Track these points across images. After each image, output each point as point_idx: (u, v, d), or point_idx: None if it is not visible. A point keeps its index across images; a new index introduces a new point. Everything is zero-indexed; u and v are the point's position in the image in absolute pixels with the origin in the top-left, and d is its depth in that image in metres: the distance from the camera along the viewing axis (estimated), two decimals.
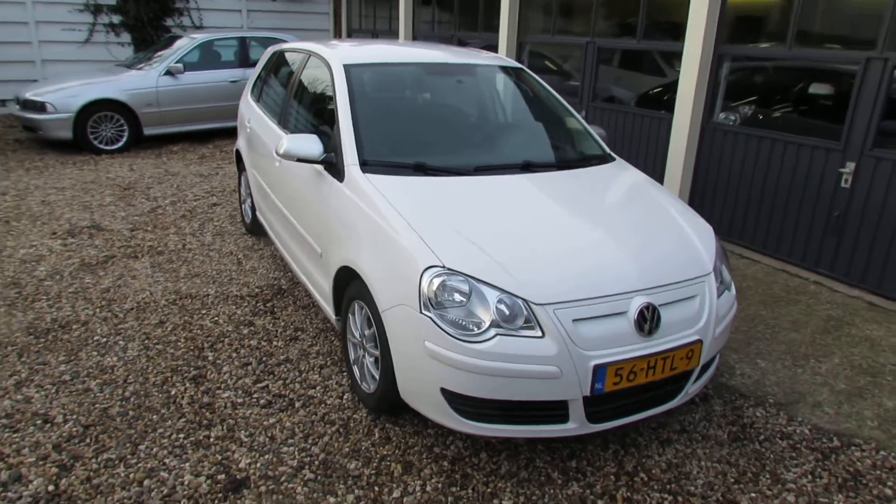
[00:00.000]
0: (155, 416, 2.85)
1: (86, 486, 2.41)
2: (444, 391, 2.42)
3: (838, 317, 4.05)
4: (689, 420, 2.99)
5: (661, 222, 2.96)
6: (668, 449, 2.78)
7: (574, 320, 2.37)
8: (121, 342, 3.48)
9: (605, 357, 2.38)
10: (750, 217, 5.11)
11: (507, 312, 2.35)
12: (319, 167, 3.25)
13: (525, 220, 2.76)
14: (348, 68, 3.47)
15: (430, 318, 2.37)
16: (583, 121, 3.81)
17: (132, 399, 2.97)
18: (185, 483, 2.45)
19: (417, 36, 9.87)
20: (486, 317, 2.35)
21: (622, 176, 3.41)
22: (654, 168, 5.81)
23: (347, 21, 12.05)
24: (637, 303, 2.47)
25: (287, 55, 4.54)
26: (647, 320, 2.46)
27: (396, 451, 2.68)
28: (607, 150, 3.69)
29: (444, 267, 2.41)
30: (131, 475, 2.48)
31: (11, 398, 2.95)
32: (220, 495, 2.40)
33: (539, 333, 2.34)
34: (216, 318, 3.79)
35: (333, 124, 3.27)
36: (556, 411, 2.43)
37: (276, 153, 3.17)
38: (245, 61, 9.13)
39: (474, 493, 2.47)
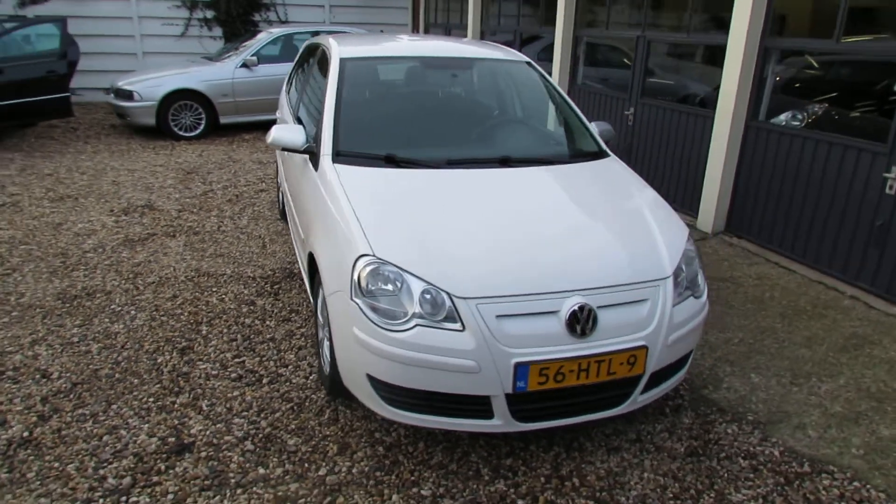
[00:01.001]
0: (136, 380, 3.11)
1: (54, 436, 2.69)
2: (369, 377, 2.48)
3: (864, 335, 3.70)
4: (649, 430, 2.87)
5: (626, 222, 2.86)
6: (614, 457, 2.69)
7: (498, 316, 2.35)
8: (132, 312, 3.81)
9: (529, 356, 2.34)
10: (790, 223, 4.74)
11: (431, 304, 2.37)
12: (306, 156, 3.39)
13: (479, 215, 2.75)
14: (344, 62, 3.58)
15: (358, 304, 2.44)
16: (582, 117, 3.71)
17: (122, 363, 3.25)
18: (138, 442, 2.67)
19: (486, 31, 9.86)
20: (410, 307, 2.38)
21: (606, 173, 3.30)
22: (700, 169, 5.52)
23: (425, 15, 12.22)
24: (571, 303, 2.40)
25: (312, 48, 4.73)
26: (580, 321, 2.39)
27: (339, 433, 2.77)
28: (603, 146, 3.57)
29: (375, 256, 2.47)
30: (95, 430, 2.73)
31: (23, 354, 3.31)
32: (163, 455, 2.59)
33: (459, 327, 2.34)
34: (223, 296, 4.04)
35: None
36: (479, 406, 2.43)
37: (266, 141, 3.34)
38: None
39: (397, 479, 2.52)
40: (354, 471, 2.55)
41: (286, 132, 3.29)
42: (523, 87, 3.87)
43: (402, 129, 3.42)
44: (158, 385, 3.07)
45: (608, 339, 2.44)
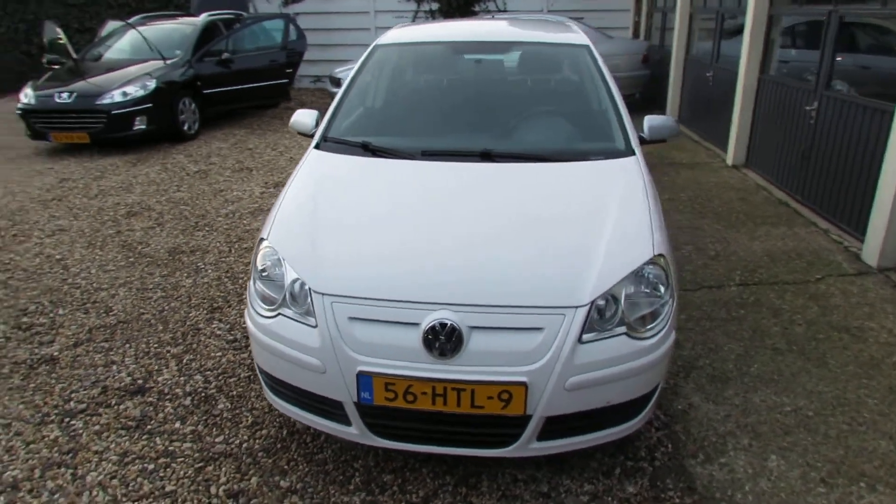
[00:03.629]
0: (160, 327, 3.59)
1: (70, 360, 3.26)
2: (256, 362, 2.52)
3: None
4: (570, 487, 2.40)
5: (570, 234, 2.40)
6: (480, 498, 2.31)
7: (350, 318, 2.20)
8: (208, 270, 4.37)
9: (375, 366, 2.15)
10: None
11: (296, 296, 2.31)
12: None
13: (408, 211, 2.59)
14: (376, 48, 3.58)
15: (250, 287, 2.49)
16: (622, 111, 3.14)
17: (164, 312, 3.78)
18: (115, 377, 3.11)
19: (693, 12, 8.75)
20: (280, 296, 2.35)
21: (606, 175, 2.79)
22: (870, 180, 4.24)
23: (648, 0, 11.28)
24: (433, 317, 2.13)
25: None
26: (439, 339, 2.10)
27: (264, 408, 2.87)
28: (632, 145, 3.00)
29: (268, 242, 2.49)
30: (98, 361, 3.25)
31: (108, 292, 4.05)
32: (120, 393, 2.98)
33: (314, 323, 2.24)
34: None
35: None
36: (337, 410, 2.30)
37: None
38: None
39: (272, 464, 2.53)
40: (244, 446, 2.63)
41: (303, 116, 3.42)
42: (567, 75, 3.43)
43: (402, 116, 3.32)
44: (171, 335, 3.51)
45: (475, 366, 2.11)
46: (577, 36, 3.62)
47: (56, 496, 2.37)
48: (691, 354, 3.26)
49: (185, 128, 8.33)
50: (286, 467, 2.51)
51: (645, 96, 10.56)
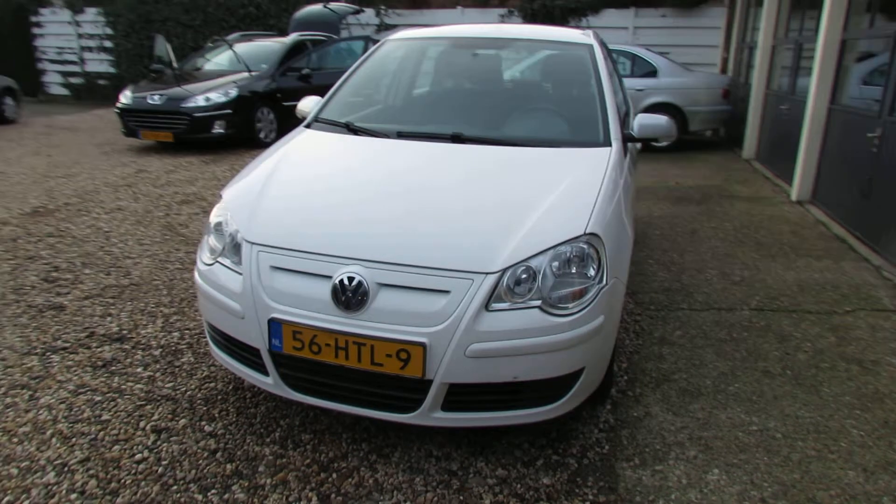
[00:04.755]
0: (164, 292, 3.82)
1: (75, 310, 3.54)
2: (201, 313, 2.64)
3: None
4: (477, 469, 2.30)
5: (504, 212, 2.36)
6: (404, 475, 2.26)
7: (272, 267, 2.27)
8: None
9: (285, 314, 2.20)
10: None
11: (232, 246, 2.41)
12: None
13: (354, 180, 2.68)
14: (386, 42, 3.71)
15: (202, 238, 2.63)
16: (608, 106, 3.05)
17: (174, 280, 4.02)
18: (104, 325, 3.33)
19: (776, 44, 8.33)
20: (222, 245, 2.46)
21: (570, 161, 2.75)
22: None
23: (739, 34, 10.86)
24: (344, 271, 2.15)
25: None
26: (345, 293, 2.12)
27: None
28: (611, 136, 2.91)
29: (224, 198, 2.63)
30: (98, 312, 3.51)
31: (133, 261, 4.37)
32: (102, 338, 3.19)
33: (241, 269, 2.33)
34: None
35: None
36: (256, 358, 2.36)
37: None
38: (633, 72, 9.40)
39: (206, 411, 2.61)
40: (189, 394, 2.74)
41: (309, 102, 3.59)
42: (563, 71, 3.39)
43: (392, 102, 3.41)
44: (169, 298, 3.73)
45: (379, 322, 2.10)
46: (582, 35, 3.58)
47: (8, 410, 2.57)
48: (670, 368, 3.05)
49: (262, 135, 8.89)
50: (216, 415, 2.59)
51: (730, 135, 10.12)
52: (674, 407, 2.72)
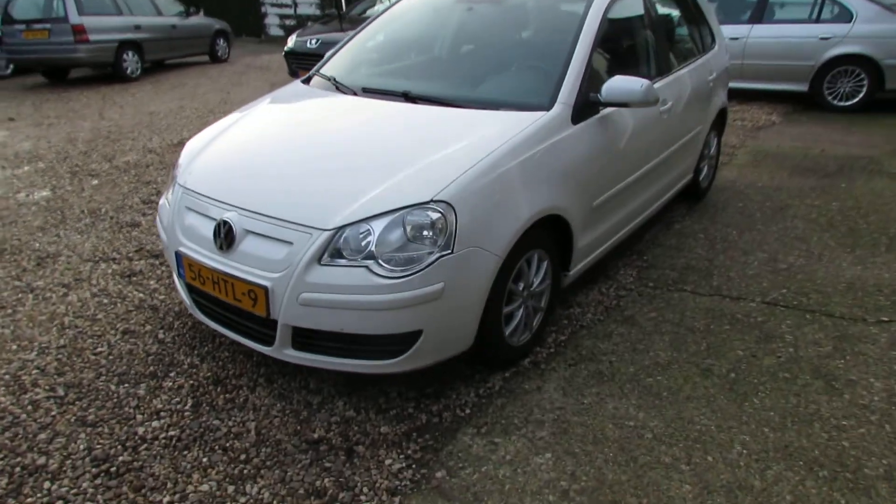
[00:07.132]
0: None
1: (150, 222, 4.35)
2: None
3: None
4: (297, 429, 2.52)
5: (374, 172, 2.48)
6: (263, 390, 2.57)
7: (186, 207, 2.68)
8: None
9: (185, 249, 2.61)
10: None
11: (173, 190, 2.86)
12: None
13: (285, 133, 3.00)
14: (398, 1, 3.82)
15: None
16: (572, 71, 2.87)
17: None
18: (156, 244, 4.07)
19: None
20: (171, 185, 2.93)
21: (484, 124, 2.74)
22: None
23: None
24: (225, 215, 2.48)
25: None
26: (219, 235, 2.46)
27: None
28: (558, 100, 2.78)
29: (185, 145, 3.09)
30: (155, 231, 4.27)
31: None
32: (145, 253, 3.92)
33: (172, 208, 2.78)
34: None
35: None
36: (181, 282, 2.81)
37: None
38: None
39: (154, 346, 3.15)
40: (168, 306, 3.31)
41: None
42: (549, 29, 3.22)
43: (377, 58, 3.55)
44: None
45: (242, 263, 2.42)
46: None
47: (43, 302, 3.38)
48: (606, 349, 2.90)
49: None
50: (175, 326, 3.13)
51: None
52: (570, 387, 2.64)
